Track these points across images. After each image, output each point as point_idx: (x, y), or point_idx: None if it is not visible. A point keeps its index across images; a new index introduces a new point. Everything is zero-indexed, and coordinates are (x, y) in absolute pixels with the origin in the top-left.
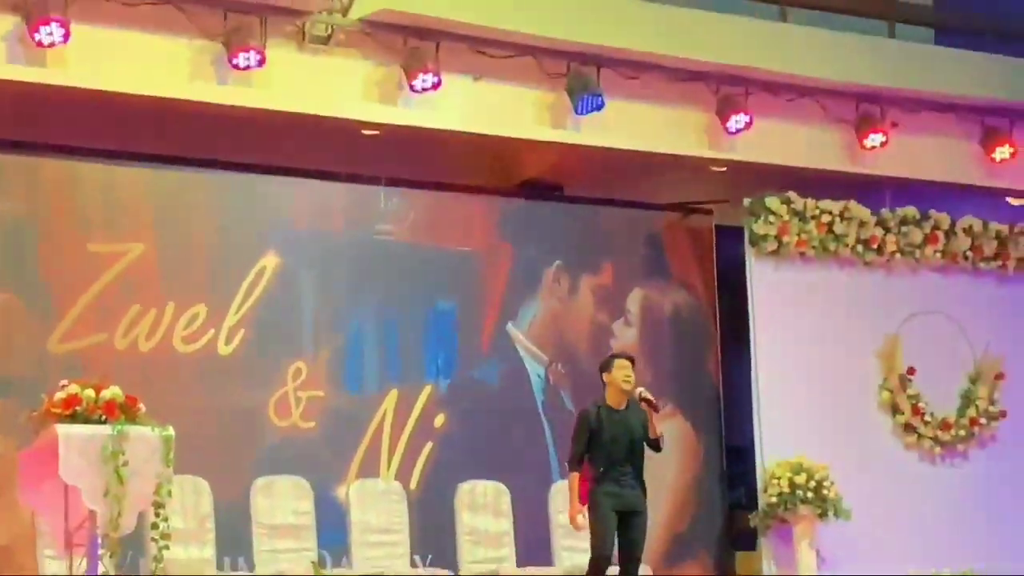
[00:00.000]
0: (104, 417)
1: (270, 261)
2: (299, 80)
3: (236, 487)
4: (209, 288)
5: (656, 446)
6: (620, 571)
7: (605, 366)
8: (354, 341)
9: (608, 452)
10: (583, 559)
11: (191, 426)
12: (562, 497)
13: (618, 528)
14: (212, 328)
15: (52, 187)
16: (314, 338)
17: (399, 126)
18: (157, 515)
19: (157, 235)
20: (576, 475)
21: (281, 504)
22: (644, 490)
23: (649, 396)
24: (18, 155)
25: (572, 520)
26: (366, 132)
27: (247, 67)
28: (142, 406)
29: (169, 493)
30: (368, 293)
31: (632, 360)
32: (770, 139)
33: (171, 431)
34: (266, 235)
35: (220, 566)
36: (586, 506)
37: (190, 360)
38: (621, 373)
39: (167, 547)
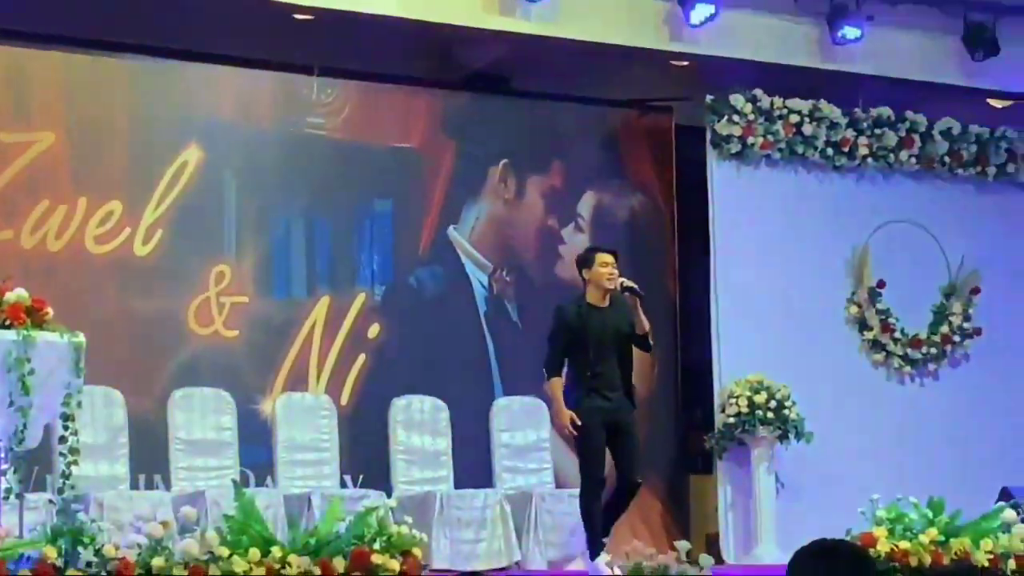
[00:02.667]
0: (8, 321)
1: (192, 155)
2: None
3: (152, 399)
4: (125, 183)
5: (645, 343)
6: (616, 496)
7: (585, 261)
8: (282, 243)
9: (593, 356)
10: (525, 481)
11: (104, 333)
12: (506, 415)
13: (610, 446)
14: (128, 227)
15: None
16: (239, 239)
17: (334, 10)
18: (65, 428)
19: (68, 124)
20: (558, 380)
21: (201, 418)
22: (632, 398)
23: (633, 284)
24: None
25: (564, 427)
26: (298, 16)
27: None
28: (50, 310)
29: (79, 405)
30: (298, 191)
31: (615, 253)
32: (736, 31)
33: (82, 338)
34: (188, 127)
35: (134, 484)
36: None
37: (104, 261)
38: (604, 269)
39: (76, 463)
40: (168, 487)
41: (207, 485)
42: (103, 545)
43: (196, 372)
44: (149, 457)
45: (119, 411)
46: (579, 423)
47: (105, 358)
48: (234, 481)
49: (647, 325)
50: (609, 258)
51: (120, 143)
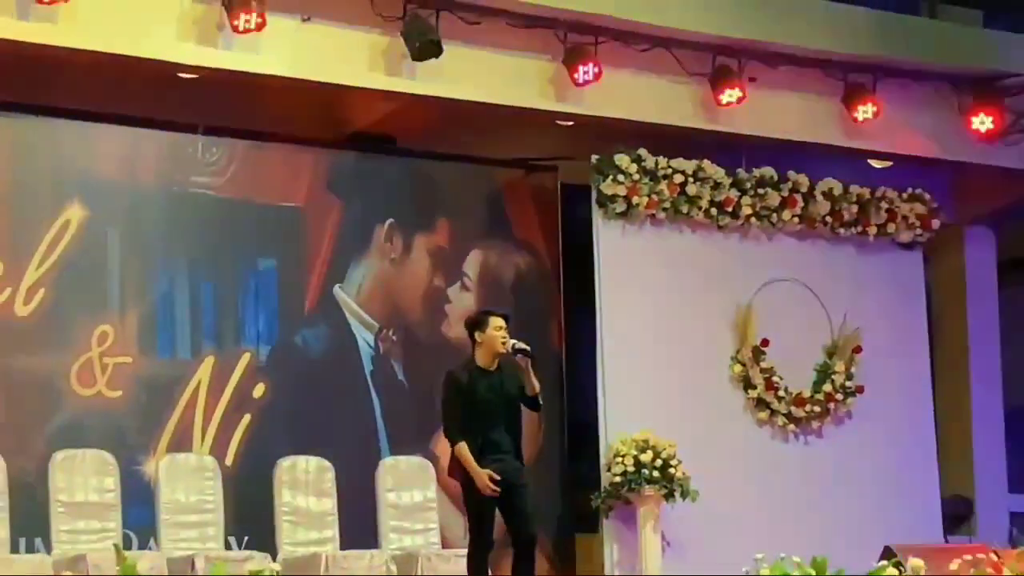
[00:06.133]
0: None
1: (75, 214)
2: (109, 16)
3: (34, 461)
4: (6, 243)
5: (535, 404)
6: (515, 554)
7: (478, 324)
8: (166, 303)
9: (483, 420)
10: (412, 541)
11: None
12: (393, 475)
13: (500, 507)
14: (9, 287)
15: None
16: (122, 299)
17: (219, 69)
18: None
19: None
20: (465, 444)
21: (83, 480)
22: (522, 460)
23: (525, 346)
24: None
25: (485, 489)
26: (182, 75)
27: (52, 1)
28: None
29: None
30: (182, 250)
31: (507, 317)
32: (621, 92)
33: None
34: (71, 185)
35: (14, 547)
36: (460, 482)
37: None
38: (498, 333)
39: None
40: (49, 550)
41: (89, 548)
42: None
43: (78, 433)
44: (30, 520)
45: (0, 474)
46: (498, 478)
47: None
48: (116, 545)
49: (537, 386)
50: (502, 322)
51: (1, 202)
